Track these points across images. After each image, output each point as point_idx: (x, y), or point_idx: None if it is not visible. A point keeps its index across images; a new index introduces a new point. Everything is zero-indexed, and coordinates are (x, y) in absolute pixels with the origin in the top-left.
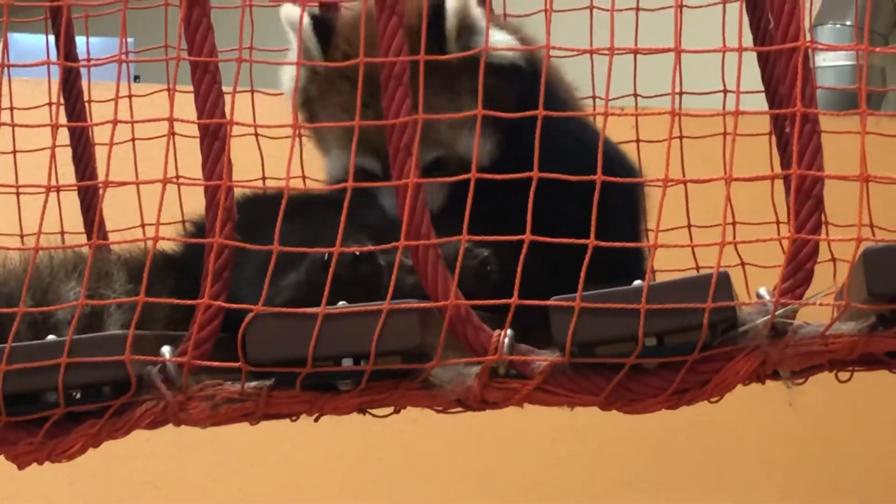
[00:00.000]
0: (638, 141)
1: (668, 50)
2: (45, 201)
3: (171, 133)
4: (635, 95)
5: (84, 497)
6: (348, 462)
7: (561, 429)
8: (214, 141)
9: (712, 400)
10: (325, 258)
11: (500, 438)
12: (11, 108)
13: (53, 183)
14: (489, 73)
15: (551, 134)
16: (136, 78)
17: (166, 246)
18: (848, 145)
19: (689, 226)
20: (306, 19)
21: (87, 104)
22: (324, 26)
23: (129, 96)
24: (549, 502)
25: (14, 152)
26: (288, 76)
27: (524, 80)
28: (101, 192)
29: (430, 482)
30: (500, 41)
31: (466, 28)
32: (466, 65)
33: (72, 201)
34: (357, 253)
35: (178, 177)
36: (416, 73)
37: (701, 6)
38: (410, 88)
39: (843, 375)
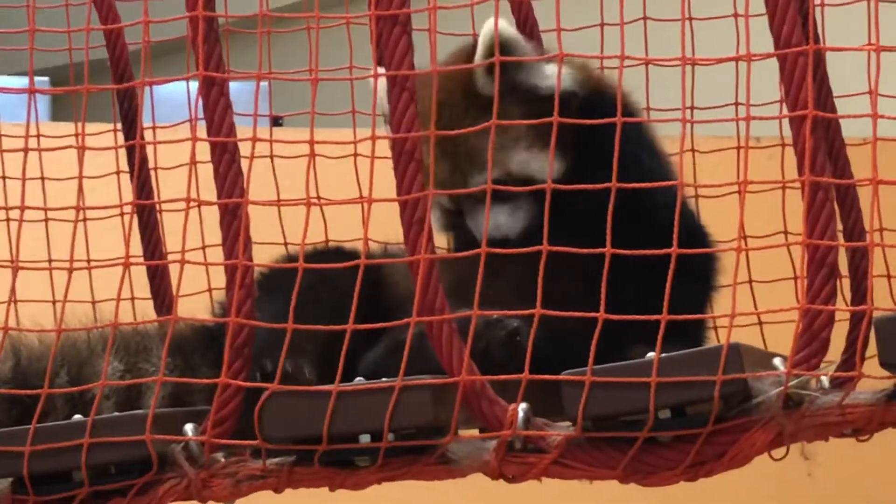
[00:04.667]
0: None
1: (676, 59)
2: (69, 279)
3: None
4: (647, 109)
5: None
6: None
7: None
8: (233, 220)
9: None
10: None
11: None
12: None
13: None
14: (541, 101)
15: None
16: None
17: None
18: None
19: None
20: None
21: (152, 172)
22: None
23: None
24: None
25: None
26: None
27: (580, 104)
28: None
29: None
30: (546, 72)
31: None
32: (512, 95)
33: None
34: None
35: (203, 250)
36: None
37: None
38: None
39: None
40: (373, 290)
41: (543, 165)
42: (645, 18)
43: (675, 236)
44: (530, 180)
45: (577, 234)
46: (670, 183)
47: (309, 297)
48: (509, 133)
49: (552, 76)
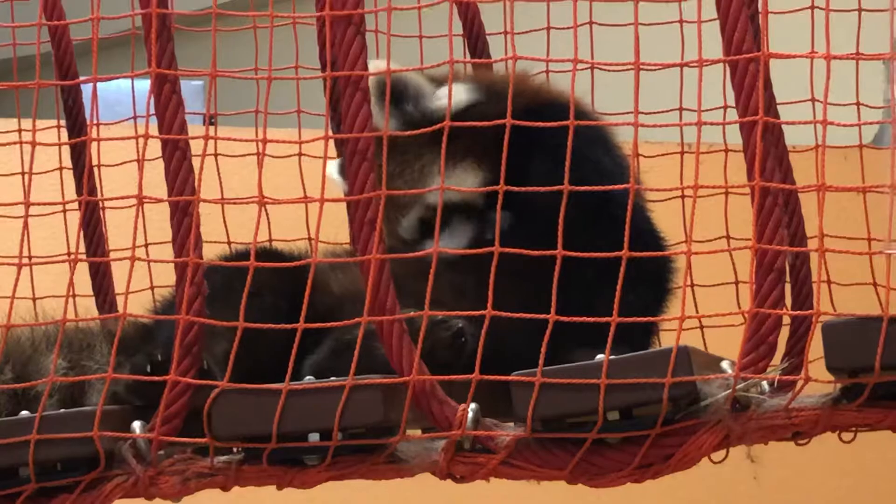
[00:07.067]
0: None
1: (628, 64)
2: (17, 276)
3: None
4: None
5: None
6: None
7: None
8: (184, 217)
9: None
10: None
11: None
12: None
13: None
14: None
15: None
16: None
17: None
18: None
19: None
20: None
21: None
22: None
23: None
24: None
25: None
26: None
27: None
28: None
29: None
30: (437, 94)
31: (402, 95)
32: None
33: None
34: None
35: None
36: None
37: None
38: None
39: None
40: (299, 290)
41: (461, 183)
42: (591, 23)
43: (626, 239)
44: (456, 204)
45: (524, 236)
46: (623, 186)
47: (222, 295)
48: (415, 167)
49: (443, 96)
